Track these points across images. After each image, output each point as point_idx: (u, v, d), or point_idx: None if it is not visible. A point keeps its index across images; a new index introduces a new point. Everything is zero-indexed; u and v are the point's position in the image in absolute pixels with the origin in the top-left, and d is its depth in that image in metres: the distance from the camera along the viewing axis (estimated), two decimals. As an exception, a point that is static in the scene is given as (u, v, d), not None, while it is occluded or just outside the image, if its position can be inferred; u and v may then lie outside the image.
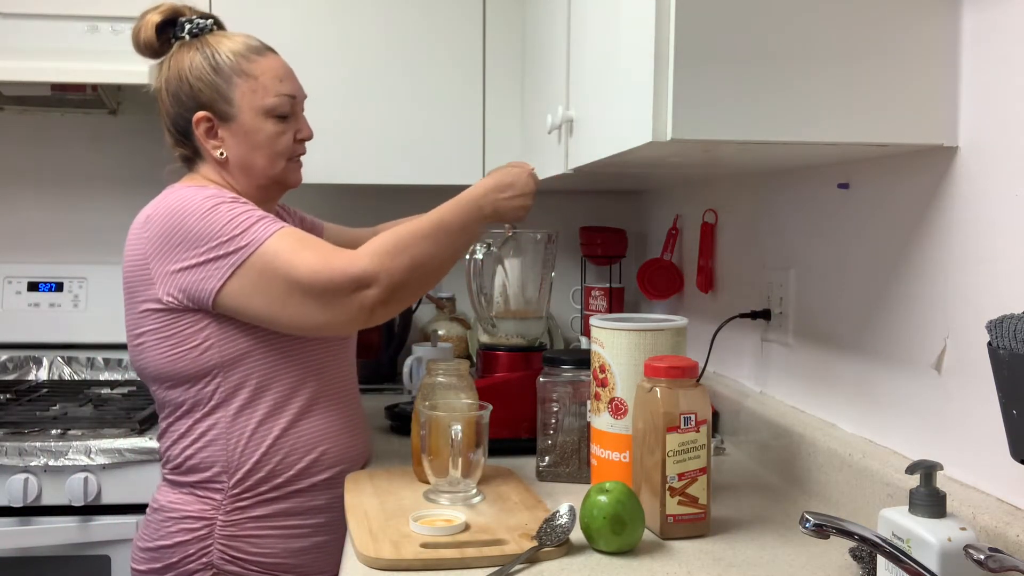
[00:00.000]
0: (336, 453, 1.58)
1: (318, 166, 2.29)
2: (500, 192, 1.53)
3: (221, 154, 1.55)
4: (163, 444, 1.58)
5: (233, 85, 1.53)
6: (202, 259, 1.42)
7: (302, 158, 1.64)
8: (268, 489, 1.52)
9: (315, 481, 1.55)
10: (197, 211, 1.43)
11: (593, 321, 1.49)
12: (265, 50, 1.57)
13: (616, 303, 2.51)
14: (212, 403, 1.50)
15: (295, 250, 1.40)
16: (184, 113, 1.54)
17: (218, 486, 1.51)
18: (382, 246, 1.41)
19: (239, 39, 1.56)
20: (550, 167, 1.91)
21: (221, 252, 1.41)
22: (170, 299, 1.46)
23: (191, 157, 1.59)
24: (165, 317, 1.48)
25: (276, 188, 1.61)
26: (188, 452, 1.52)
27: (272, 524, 1.53)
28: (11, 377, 2.50)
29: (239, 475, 1.50)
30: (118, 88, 2.45)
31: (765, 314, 1.77)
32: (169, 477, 1.56)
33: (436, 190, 2.60)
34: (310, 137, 1.62)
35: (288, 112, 1.56)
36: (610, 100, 1.41)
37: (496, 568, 1.17)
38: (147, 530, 1.56)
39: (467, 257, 1.81)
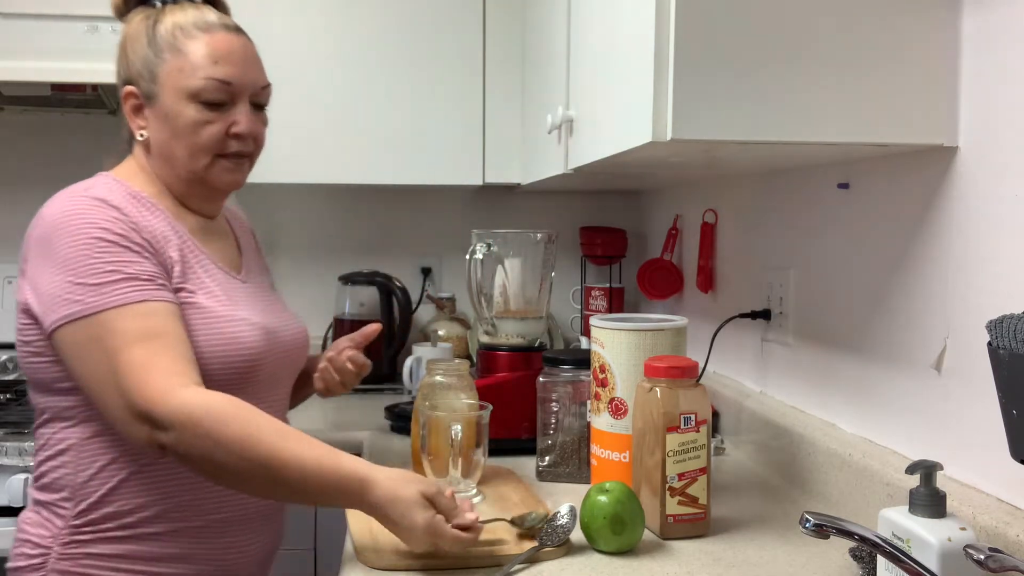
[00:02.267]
0: (215, 502, 1.32)
1: (318, 166, 2.30)
2: (394, 512, 1.14)
3: (141, 135, 1.35)
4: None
5: (162, 61, 1.32)
6: (54, 289, 1.22)
7: (245, 161, 1.39)
8: (115, 527, 1.27)
9: (179, 527, 1.29)
10: (74, 235, 1.23)
11: (593, 321, 1.49)
12: (218, 28, 1.34)
13: (616, 303, 2.51)
14: (71, 418, 1.29)
15: (129, 341, 1.17)
16: (120, 86, 1.37)
17: (61, 511, 1.28)
18: (197, 413, 1.13)
19: (193, 13, 1.35)
20: (550, 167, 1.91)
21: (69, 294, 1.20)
22: (26, 304, 1.27)
23: (130, 136, 1.39)
24: (26, 318, 1.28)
25: (202, 187, 1.37)
26: (43, 466, 1.31)
27: (113, 567, 1.27)
28: (11, 377, 2.49)
29: (83, 505, 1.26)
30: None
31: (765, 314, 1.77)
32: (31, 488, 1.35)
33: (436, 190, 2.61)
34: (248, 134, 1.35)
35: (220, 100, 1.32)
36: (610, 100, 1.41)
37: (496, 568, 1.17)
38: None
39: (467, 257, 1.81)
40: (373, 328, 1.52)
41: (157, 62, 1.32)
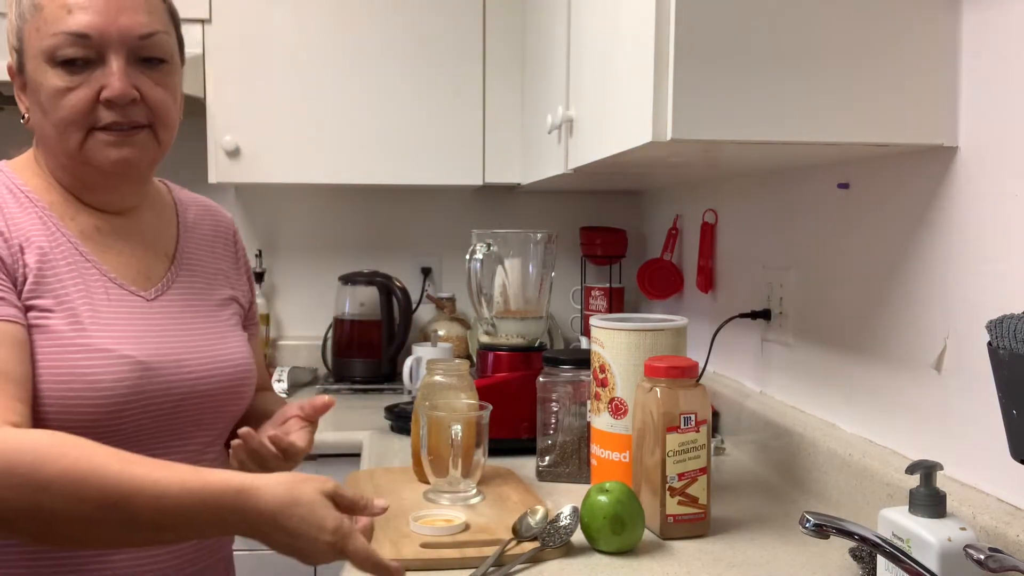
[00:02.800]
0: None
1: (318, 166, 2.30)
2: (294, 525, 0.92)
3: (23, 117, 1.15)
4: None
5: (24, 23, 1.10)
6: None
7: (139, 133, 1.11)
8: None
9: None
10: None
11: (593, 321, 1.49)
12: None
13: (616, 303, 2.51)
14: None
15: None
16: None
17: None
18: (21, 456, 0.89)
19: None
20: (550, 167, 1.91)
21: None
22: None
23: None
24: None
25: (89, 172, 1.12)
26: None
27: None
28: None
29: None
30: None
31: (765, 314, 1.77)
32: None
33: (436, 190, 2.61)
34: (120, 96, 1.08)
35: (81, 58, 1.07)
36: (610, 100, 1.41)
37: (497, 568, 1.17)
38: None
39: (467, 257, 1.81)
40: (324, 401, 1.17)
41: (23, 26, 1.10)
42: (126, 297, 1.13)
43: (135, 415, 1.08)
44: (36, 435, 0.93)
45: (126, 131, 1.10)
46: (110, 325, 1.09)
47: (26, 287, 1.05)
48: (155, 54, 1.12)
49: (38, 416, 1.01)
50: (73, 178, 1.14)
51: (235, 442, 1.08)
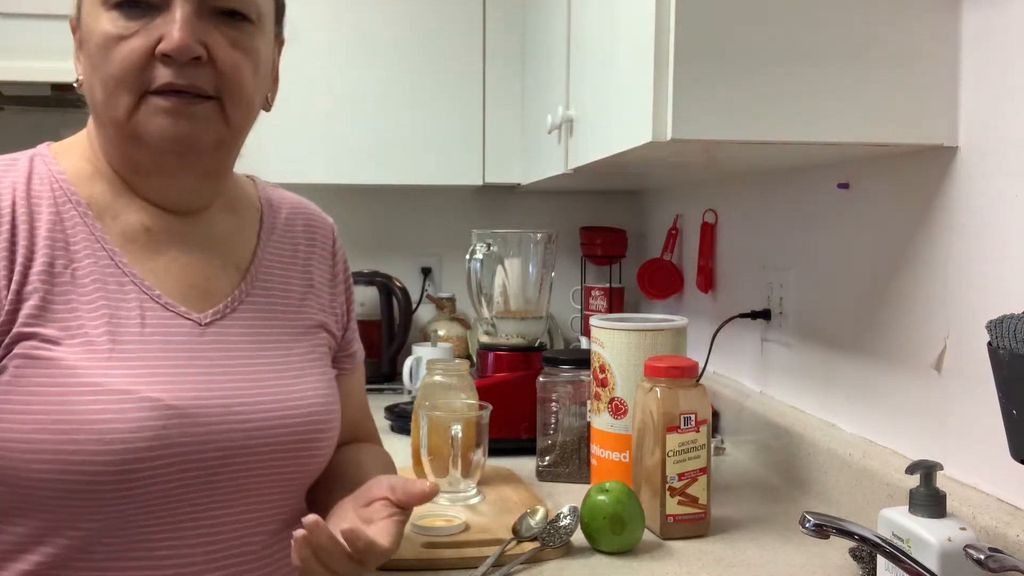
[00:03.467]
0: None
1: (318, 166, 2.30)
2: None
3: (76, 81, 0.96)
4: None
5: None
6: None
7: (201, 103, 0.89)
8: None
9: None
10: None
11: (593, 321, 1.49)
12: None
13: (616, 303, 2.51)
14: None
15: None
16: None
17: None
18: None
19: None
20: (550, 167, 1.91)
21: None
22: None
23: None
24: None
25: (143, 153, 0.90)
26: None
27: None
28: None
29: None
30: (118, 88, 2.44)
31: (765, 314, 1.77)
32: None
33: (436, 190, 2.61)
34: (185, 49, 0.85)
35: (144, 0, 0.86)
36: (610, 100, 1.41)
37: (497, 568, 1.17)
38: None
39: (467, 257, 1.81)
40: (424, 490, 0.91)
41: None
42: (169, 320, 0.89)
43: (158, 477, 0.84)
44: None
45: (186, 99, 0.87)
46: (137, 358, 0.86)
47: (22, 313, 0.83)
48: (237, 6, 0.88)
49: (32, 479, 0.80)
50: (123, 159, 0.92)
51: (297, 533, 0.80)
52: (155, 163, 0.91)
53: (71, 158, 0.94)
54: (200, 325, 0.91)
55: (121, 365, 0.84)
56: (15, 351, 0.82)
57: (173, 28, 0.84)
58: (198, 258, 0.94)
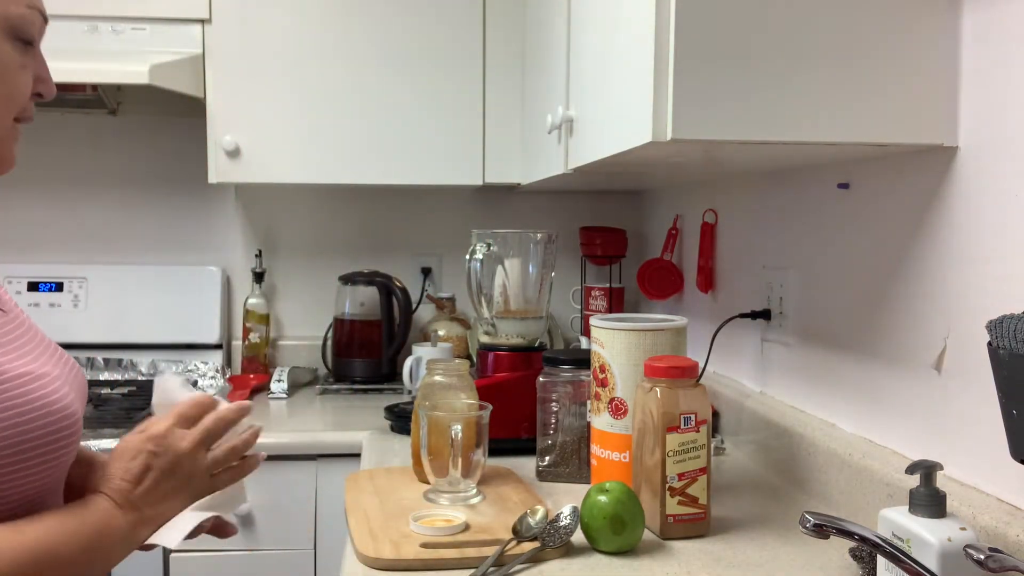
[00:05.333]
0: None
1: (318, 166, 2.30)
2: (134, 485, 0.95)
3: None
4: None
5: None
6: None
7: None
8: None
9: None
10: None
11: (593, 321, 1.49)
12: None
13: (616, 303, 2.51)
14: None
15: None
16: None
17: None
18: None
19: None
20: (550, 167, 1.91)
21: None
22: None
23: None
24: None
25: None
26: None
27: None
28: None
29: None
30: (118, 88, 2.45)
31: (765, 314, 1.77)
32: None
33: (436, 190, 2.61)
34: (49, 93, 0.99)
35: (33, 37, 0.95)
36: (610, 100, 1.41)
37: (497, 568, 1.17)
38: None
39: (467, 257, 1.81)
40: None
41: None
42: None
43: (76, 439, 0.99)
44: None
45: (19, 127, 0.99)
46: (15, 346, 0.96)
47: None
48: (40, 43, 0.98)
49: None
50: None
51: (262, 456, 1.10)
52: None
53: None
54: (3, 312, 1.00)
55: (15, 354, 0.94)
56: None
57: (45, 70, 0.97)
58: None
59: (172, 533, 0.99)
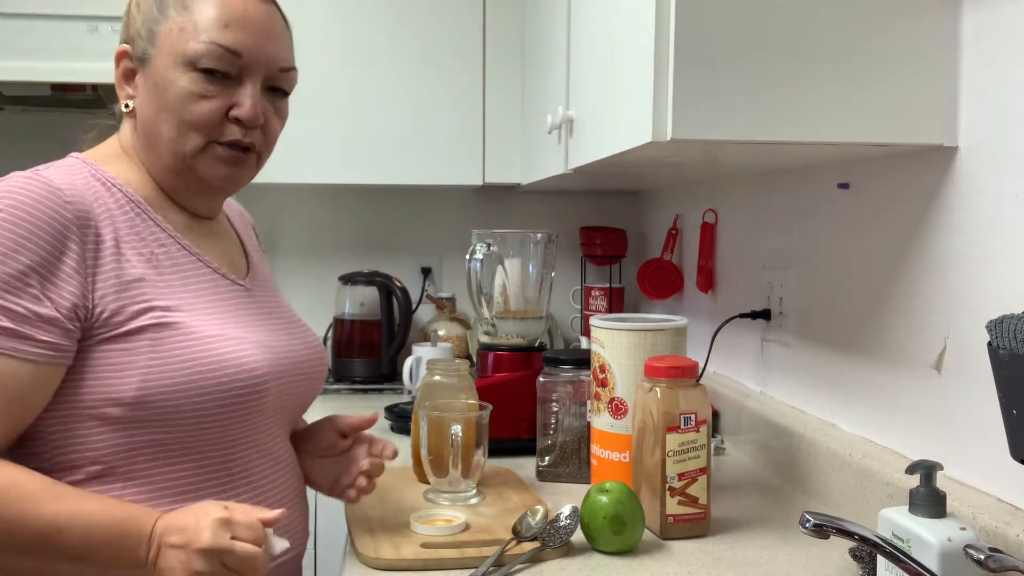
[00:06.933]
0: None
1: (318, 166, 2.30)
2: (170, 534, 0.98)
3: (126, 106, 1.14)
4: None
5: (165, 18, 1.11)
6: None
7: (249, 156, 1.16)
8: None
9: None
10: None
11: (593, 321, 1.49)
12: None
13: (616, 303, 2.51)
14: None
15: None
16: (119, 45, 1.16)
17: None
18: None
19: None
20: (550, 167, 1.91)
21: None
22: None
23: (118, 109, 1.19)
24: None
25: (191, 181, 1.14)
26: None
27: None
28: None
29: None
30: (118, 88, 2.45)
31: (765, 314, 1.77)
32: None
33: (436, 190, 2.61)
34: (252, 120, 1.12)
35: (224, 71, 1.10)
36: (610, 100, 1.41)
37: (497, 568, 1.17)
38: None
39: (467, 257, 1.81)
40: (364, 418, 1.30)
41: (159, 18, 1.11)
42: (231, 288, 1.17)
43: (270, 397, 1.12)
44: None
45: (239, 151, 1.14)
46: (228, 313, 1.13)
47: (132, 293, 1.05)
48: (285, 87, 1.17)
49: (194, 412, 1.05)
50: (173, 181, 1.15)
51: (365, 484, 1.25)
52: (200, 189, 1.16)
53: (117, 167, 1.14)
54: (246, 289, 1.20)
55: (222, 319, 1.11)
56: (143, 321, 1.04)
57: (248, 101, 1.11)
58: (223, 243, 1.22)
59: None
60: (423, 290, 2.69)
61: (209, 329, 1.08)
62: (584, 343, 2.41)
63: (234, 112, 1.11)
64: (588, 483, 1.51)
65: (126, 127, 1.17)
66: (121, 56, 1.14)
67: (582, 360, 1.57)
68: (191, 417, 1.05)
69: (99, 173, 1.11)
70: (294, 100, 2.48)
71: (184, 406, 1.04)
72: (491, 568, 1.17)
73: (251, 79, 1.12)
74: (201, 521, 0.96)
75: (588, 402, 1.53)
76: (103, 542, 0.97)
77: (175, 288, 1.09)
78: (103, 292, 1.04)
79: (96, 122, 1.23)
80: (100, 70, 2.16)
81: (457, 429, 1.39)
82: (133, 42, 1.13)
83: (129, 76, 1.14)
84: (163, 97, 1.10)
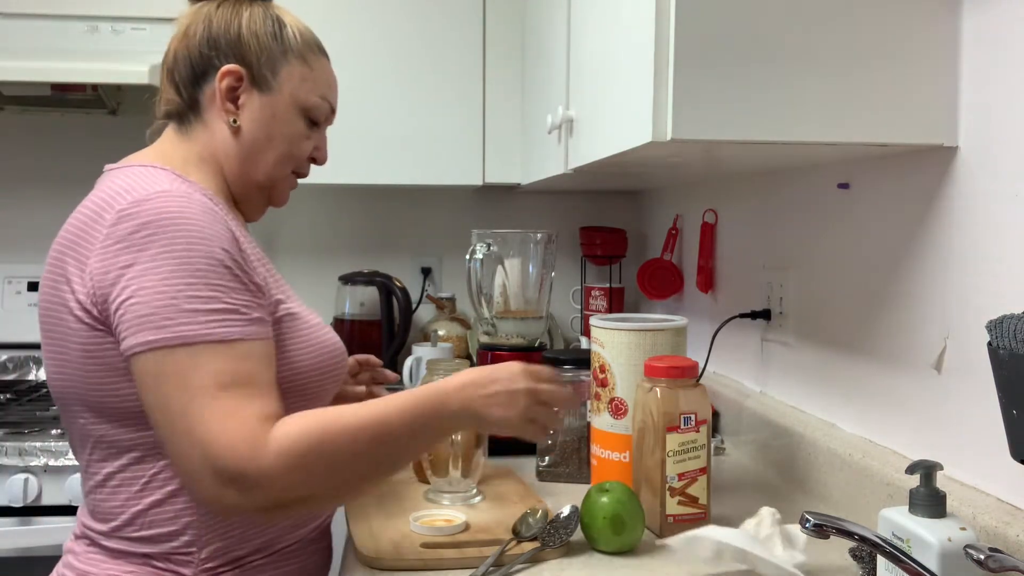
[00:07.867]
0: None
1: (318, 166, 2.29)
2: (478, 388, 1.15)
3: (234, 121, 1.23)
4: (97, 496, 1.15)
5: (288, 62, 1.26)
6: (150, 302, 1.06)
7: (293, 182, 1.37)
8: (256, 556, 1.17)
9: (311, 532, 1.25)
10: (188, 247, 1.07)
11: (593, 321, 1.49)
12: (325, 53, 1.36)
13: (616, 303, 2.51)
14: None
15: (218, 384, 1.03)
16: (215, 59, 1.23)
17: (185, 558, 1.12)
18: (300, 447, 1.02)
19: (305, 26, 1.35)
20: (550, 167, 1.91)
21: (163, 316, 1.05)
22: (91, 307, 1.09)
23: (182, 113, 1.26)
24: (99, 329, 1.10)
25: (262, 196, 1.32)
26: (147, 515, 1.12)
27: None
28: (11, 377, 2.50)
29: (217, 544, 1.13)
30: (118, 88, 2.45)
31: (765, 314, 1.77)
32: (107, 543, 1.13)
33: (436, 190, 2.61)
34: (322, 161, 1.37)
35: (320, 120, 1.31)
36: (610, 100, 1.41)
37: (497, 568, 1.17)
38: None
39: (467, 257, 1.81)
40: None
41: (282, 60, 1.26)
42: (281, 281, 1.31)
43: (340, 378, 1.29)
44: (299, 424, 1.05)
45: (295, 179, 1.36)
46: (303, 304, 1.28)
47: (269, 289, 1.17)
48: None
49: (319, 386, 1.22)
50: (252, 191, 1.30)
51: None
52: (261, 202, 1.33)
53: (196, 174, 1.22)
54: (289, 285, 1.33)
55: (307, 309, 1.27)
56: (280, 312, 1.18)
57: (323, 145, 1.35)
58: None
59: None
60: (423, 290, 2.69)
61: (311, 318, 1.25)
62: (584, 343, 2.41)
63: (315, 154, 1.34)
64: (588, 483, 1.51)
65: (200, 132, 1.25)
66: (232, 74, 1.23)
67: (582, 360, 1.57)
68: (311, 392, 1.20)
69: (201, 192, 1.17)
70: (294, 100, 2.42)
71: (311, 385, 1.20)
72: (491, 568, 1.17)
73: (324, 128, 1.35)
74: (512, 368, 1.18)
75: (588, 402, 1.53)
76: (417, 415, 1.11)
77: (278, 282, 1.24)
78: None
79: (158, 125, 1.31)
80: (100, 70, 2.16)
81: (457, 429, 1.39)
82: (251, 67, 1.24)
83: (232, 93, 1.23)
84: (277, 128, 1.26)
